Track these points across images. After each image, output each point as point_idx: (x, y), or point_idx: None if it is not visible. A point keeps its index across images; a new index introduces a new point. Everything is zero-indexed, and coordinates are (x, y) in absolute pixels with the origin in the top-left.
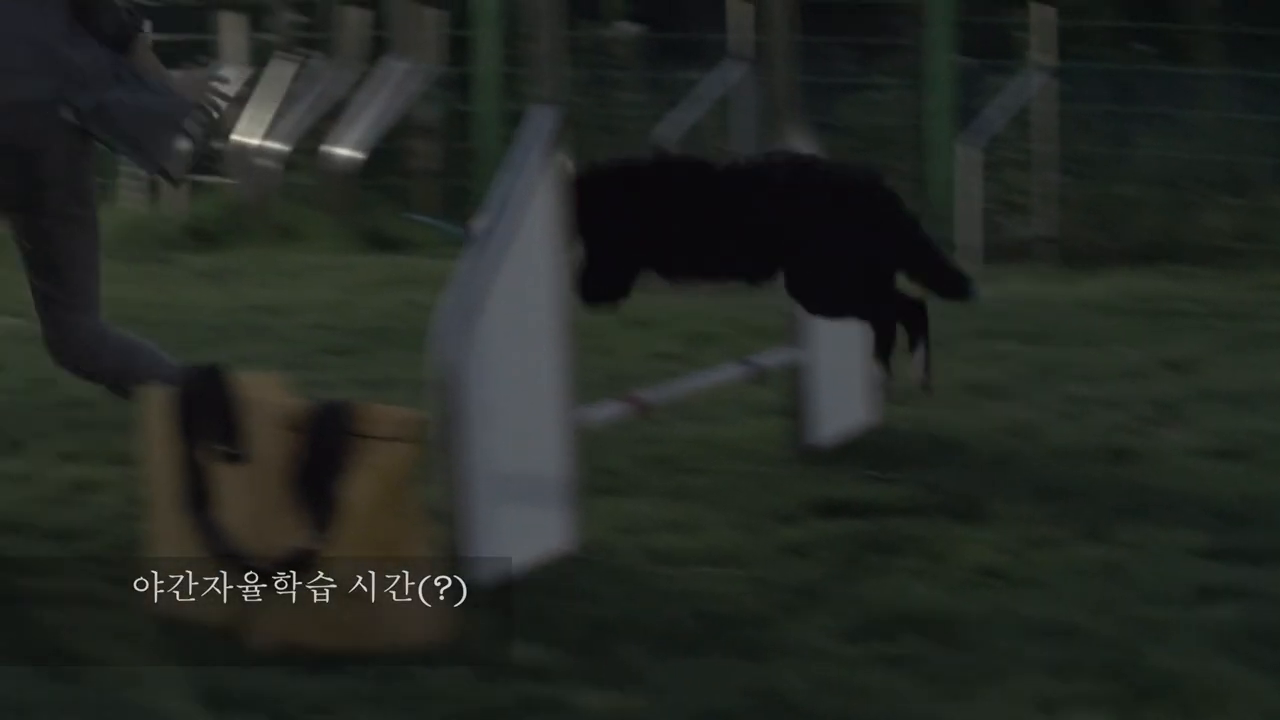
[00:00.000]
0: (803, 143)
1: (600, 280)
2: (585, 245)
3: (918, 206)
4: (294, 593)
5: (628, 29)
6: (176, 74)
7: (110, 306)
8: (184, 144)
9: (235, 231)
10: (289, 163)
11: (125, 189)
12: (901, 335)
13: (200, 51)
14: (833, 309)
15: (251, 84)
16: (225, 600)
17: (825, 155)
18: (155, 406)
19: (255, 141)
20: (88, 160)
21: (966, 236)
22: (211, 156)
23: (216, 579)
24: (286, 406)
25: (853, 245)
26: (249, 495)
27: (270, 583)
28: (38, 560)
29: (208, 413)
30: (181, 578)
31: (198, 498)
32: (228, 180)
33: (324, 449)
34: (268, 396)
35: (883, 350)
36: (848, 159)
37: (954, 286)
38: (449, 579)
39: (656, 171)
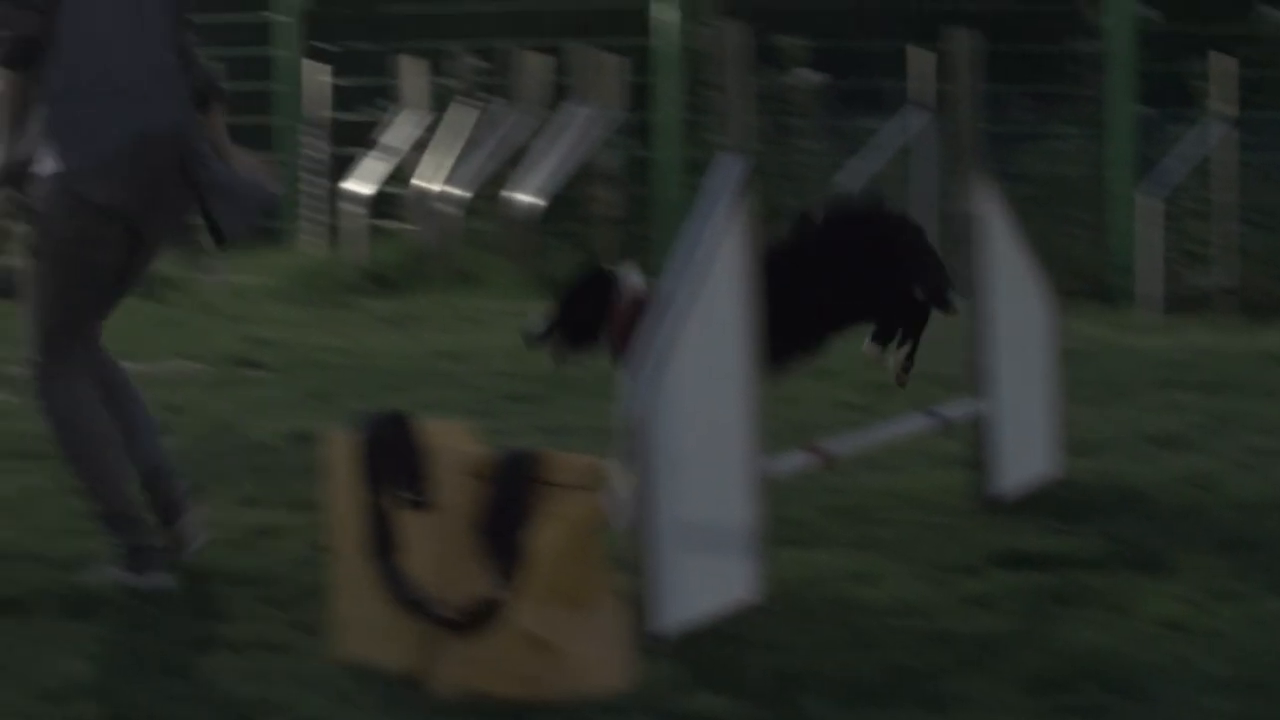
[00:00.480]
0: (985, 191)
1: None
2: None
3: (1098, 256)
4: (478, 640)
5: (808, 77)
6: (239, 154)
7: (290, 351)
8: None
9: (416, 277)
10: (469, 208)
11: (305, 234)
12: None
13: (380, 96)
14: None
15: (432, 129)
16: (409, 647)
17: (998, 206)
18: (341, 453)
19: (436, 187)
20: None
21: (1147, 286)
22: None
23: (400, 626)
24: (472, 454)
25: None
26: (434, 542)
27: (454, 630)
28: (220, 606)
29: (393, 459)
30: (365, 624)
31: (382, 545)
32: (408, 226)
33: (509, 497)
34: (453, 443)
35: (882, 338)
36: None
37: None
38: (633, 628)
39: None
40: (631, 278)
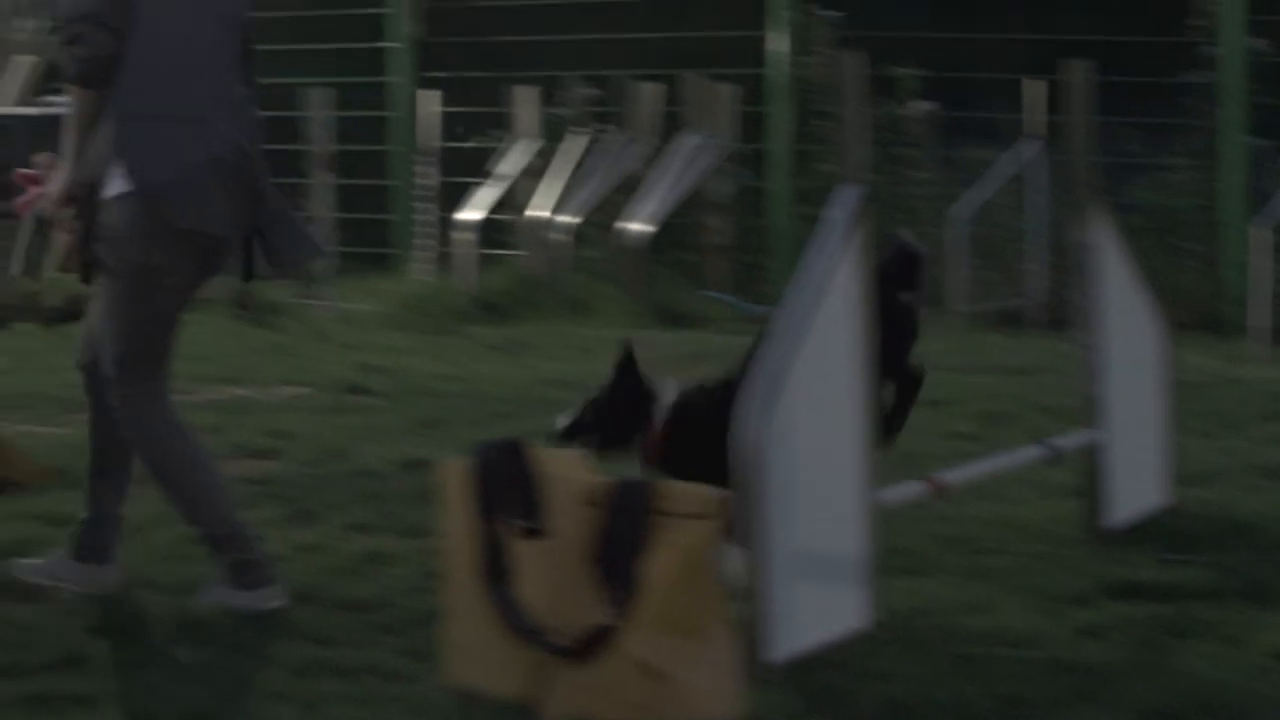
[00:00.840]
0: (1099, 222)
1: None
2: None
3: (1209, 288)
4: (590, 668)
5: (921, 107)
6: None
7: (400, 378)
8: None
9: (525, 304)
10: (579, 236)
11: (416, 261)
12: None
13: (493, 125)
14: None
15: (543, 157)
16: (521, 674)
17: (1112, 236)
18: (455, 479)
19: (547, 215)
20: None
21: (1258, 318)
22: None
23: (513, 653)
24: (587, 482)
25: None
26: (547, 570)
27: (566, 657)
28: (331, 632)
29: (508, 486)
30: (477, 651)
31: (496, 572)
32: (518, 253)
33: (624, 525)
34: (567, 471)
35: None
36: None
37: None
38: (746, 656)
39: None
40: (669, 389)
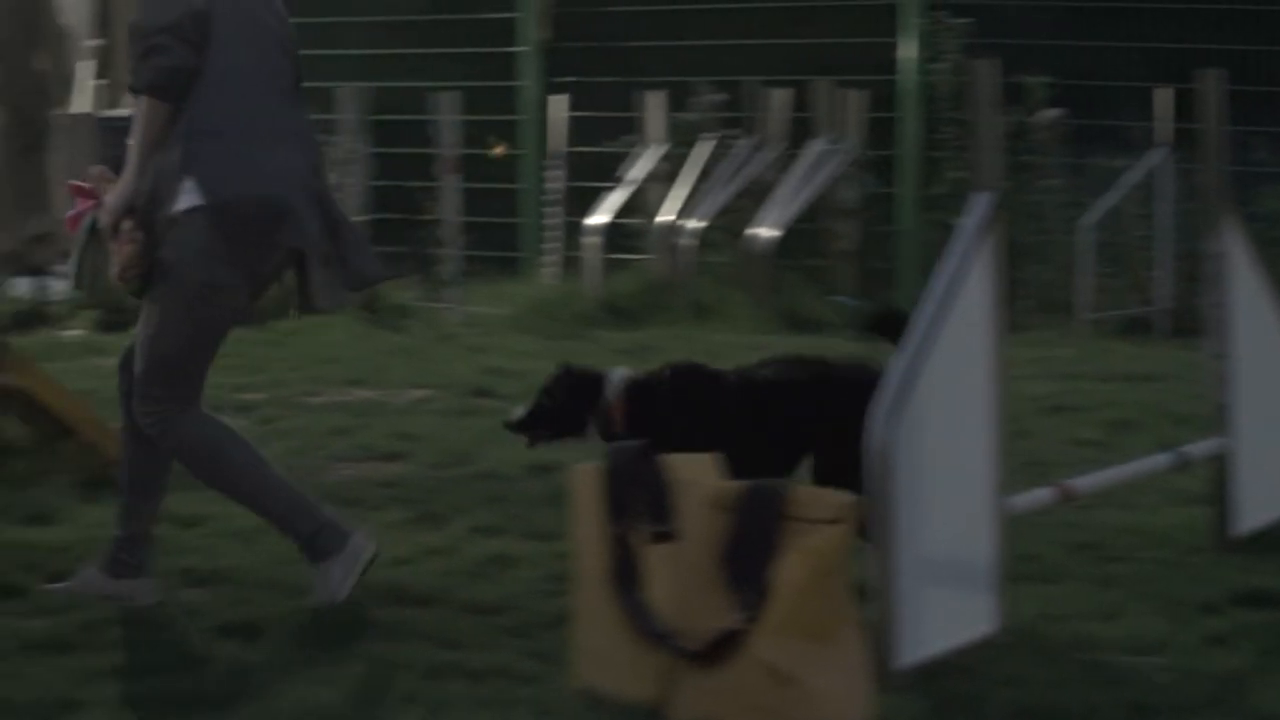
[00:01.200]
0: (1230, 230)
1: None
2: None
3: None
4: (719, 672)
5: (1050, 115)
6: None
7: (527, 381)
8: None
9: (652, 309)
10: (706, 241)
11: (543, 265)
12: None
13: (622, 130)
14: None
15: (671, 162)
16: (649, 678)
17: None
18: (585, 484)
19: (674, 220)
20: None
21: None
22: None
23: (641, 657)
24: (717, 487)
25: None
26: (676, 575)
27: (695, 661)
28: (457, 634)
29: (638, 491)
30: (606, 654)
31: (626, 576)
32: (645, 257)
33: (755, 530)
34: (697, 475)
35: None
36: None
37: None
38: (875, 661)
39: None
40: (618, 373)
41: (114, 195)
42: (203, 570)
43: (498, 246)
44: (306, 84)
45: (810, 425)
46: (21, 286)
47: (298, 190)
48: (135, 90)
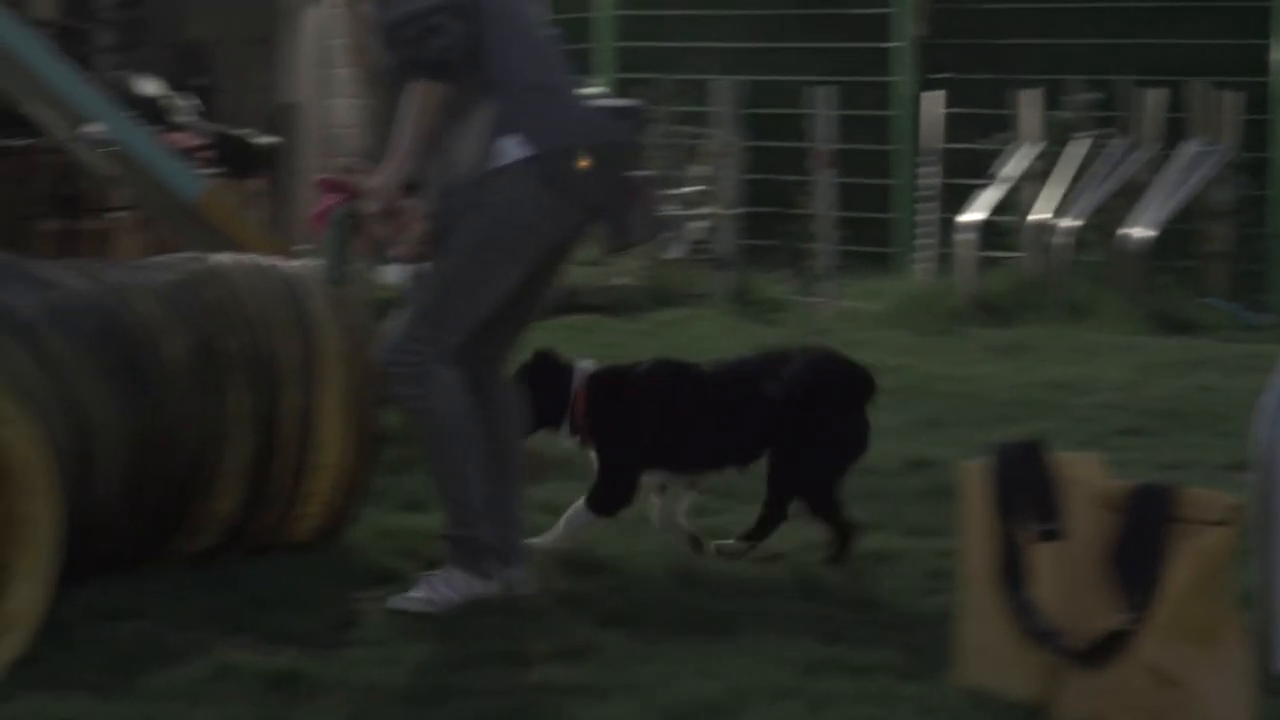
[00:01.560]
0: None
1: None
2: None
3: None
4: (1103, 672)
5: None
6: None
7: (900, 377)
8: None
9: (1026, 307)
10: (1080, 240)
11: (917, 261)
12: None
13: (997, 127)
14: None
15: (1045, 160)
16: (1033, 677)
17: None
18: (975, 481)
19: (1048, 218)
20: None
21: None
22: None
23: (1026, 655)
24: (1105, 487)
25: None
26: (1063, 574)
27: (1080, 661)
28: (838, 629)
29: (1027, 489)
30: (991, 652)
31: (1013, 574)
32: (1018, 255)
33: (1143, 531)
34: (1086, 475)
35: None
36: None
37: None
38: (1258, 664)
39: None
40: (584, 364)
41: (382, 178)
42: (583, 560)
43: (871, 242)
44: (679, 76)
45: (769, 419)
46: (392, 274)
47: (606, 140)
48: (413, 77)
